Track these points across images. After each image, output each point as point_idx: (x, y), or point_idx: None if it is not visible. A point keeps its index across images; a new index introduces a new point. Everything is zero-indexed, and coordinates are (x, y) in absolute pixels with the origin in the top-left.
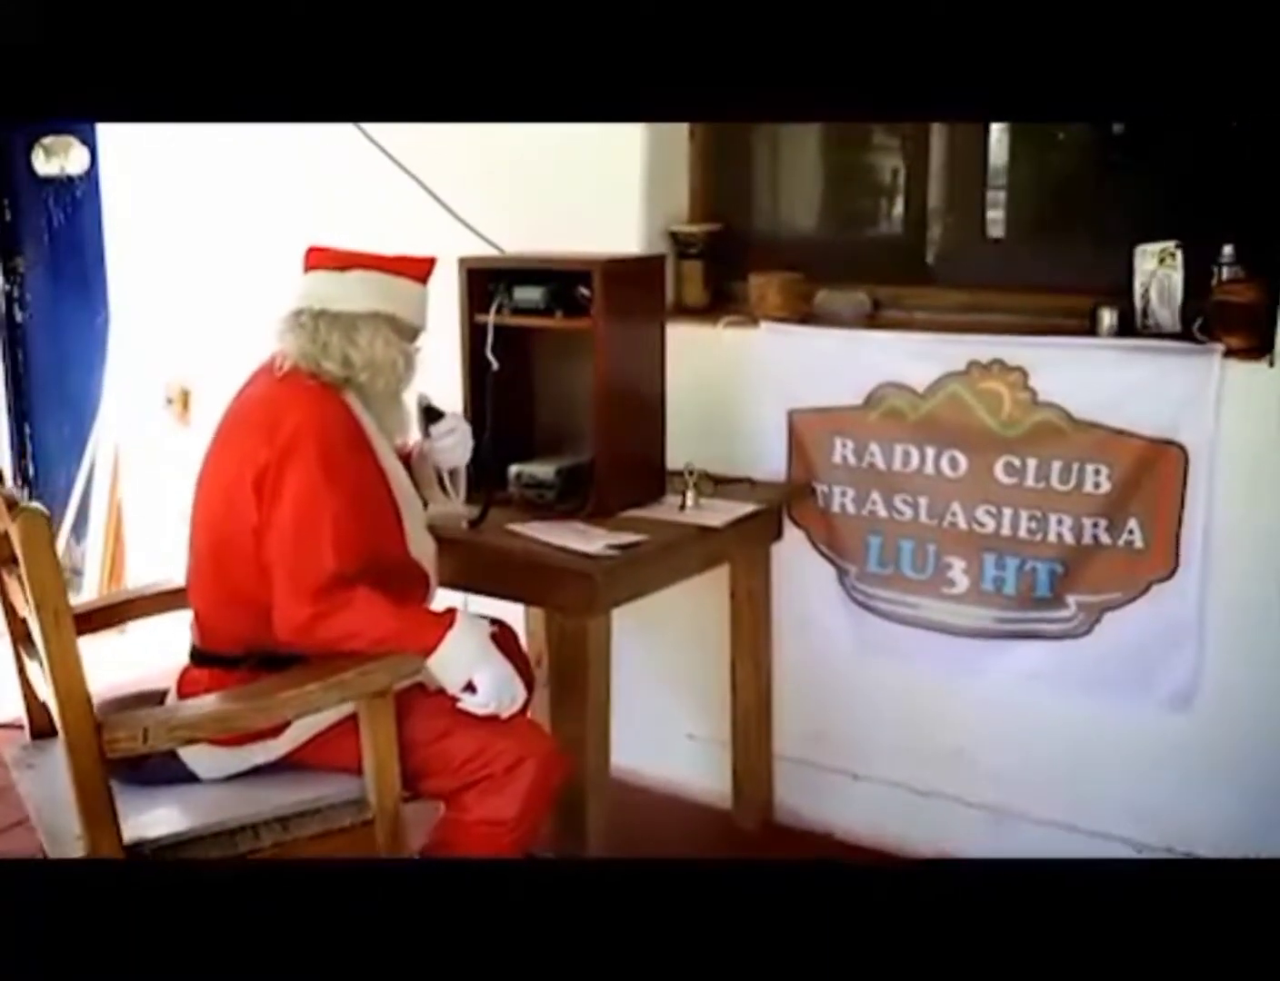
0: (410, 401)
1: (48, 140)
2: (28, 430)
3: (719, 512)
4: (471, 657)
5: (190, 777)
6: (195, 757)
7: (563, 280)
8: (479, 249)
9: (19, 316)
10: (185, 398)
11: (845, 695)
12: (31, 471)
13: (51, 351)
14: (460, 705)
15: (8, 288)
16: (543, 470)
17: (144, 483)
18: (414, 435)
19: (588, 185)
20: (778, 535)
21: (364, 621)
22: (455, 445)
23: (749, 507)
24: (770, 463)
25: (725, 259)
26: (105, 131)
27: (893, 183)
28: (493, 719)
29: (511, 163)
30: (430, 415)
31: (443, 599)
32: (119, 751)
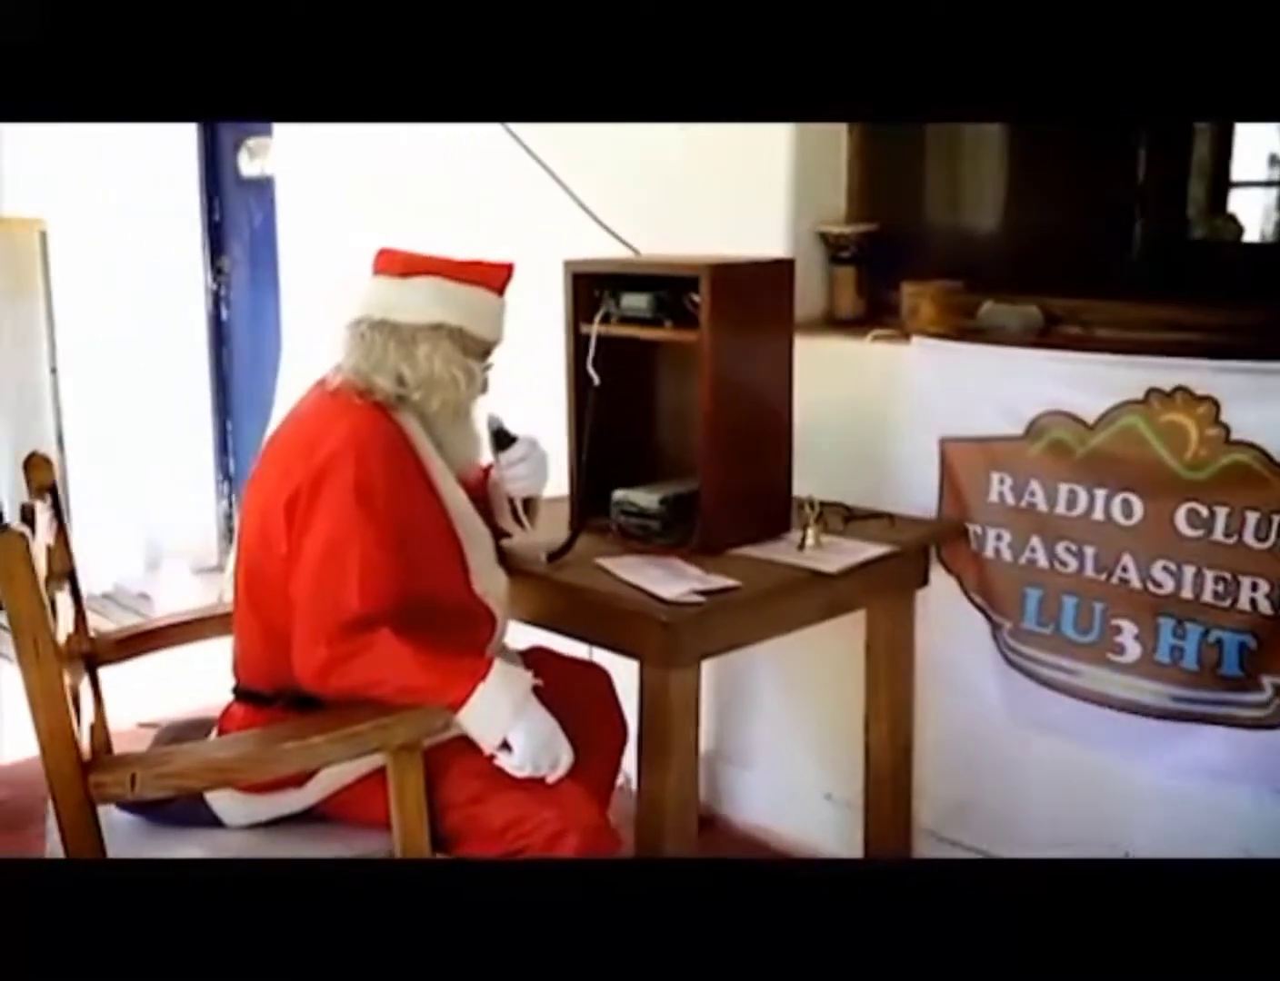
0: (482, 422)
1: (251, 142)
2: (229, 427)
3: (841, 555)
4: (506, 715)
5: (217, 822)
6: (220, 802)
7: (672, 286)
8: (617, 252)
9: (224, 314)
10: None
11: (994, 767)
12: (233, 468)
13: (250, 349)
14: (498, 765)
15: (215, 286)
16: (646, 498)
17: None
18: (489, 459)
19: (731, 183)
20: (922, 581)
21: (385, 669)
22: (528, 474)
23: (880, 550)
24: (919, 497)
25: (884, 264)
26: (281, 133)
27: (1078, 177)
28: (536, 783)
29: (651, 161)
30: (501, 440)
31: (532, 638)
32: (106, 797)
